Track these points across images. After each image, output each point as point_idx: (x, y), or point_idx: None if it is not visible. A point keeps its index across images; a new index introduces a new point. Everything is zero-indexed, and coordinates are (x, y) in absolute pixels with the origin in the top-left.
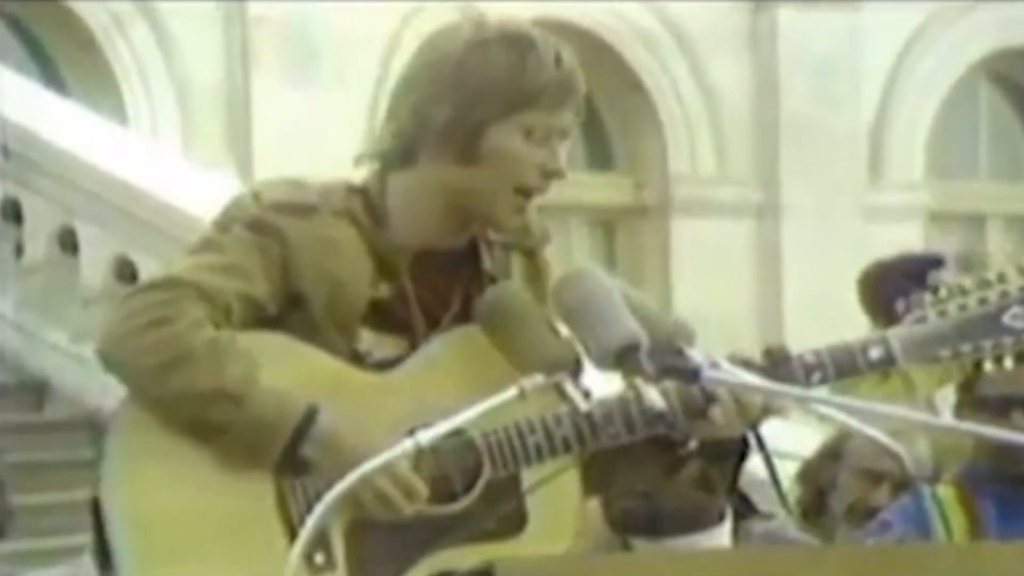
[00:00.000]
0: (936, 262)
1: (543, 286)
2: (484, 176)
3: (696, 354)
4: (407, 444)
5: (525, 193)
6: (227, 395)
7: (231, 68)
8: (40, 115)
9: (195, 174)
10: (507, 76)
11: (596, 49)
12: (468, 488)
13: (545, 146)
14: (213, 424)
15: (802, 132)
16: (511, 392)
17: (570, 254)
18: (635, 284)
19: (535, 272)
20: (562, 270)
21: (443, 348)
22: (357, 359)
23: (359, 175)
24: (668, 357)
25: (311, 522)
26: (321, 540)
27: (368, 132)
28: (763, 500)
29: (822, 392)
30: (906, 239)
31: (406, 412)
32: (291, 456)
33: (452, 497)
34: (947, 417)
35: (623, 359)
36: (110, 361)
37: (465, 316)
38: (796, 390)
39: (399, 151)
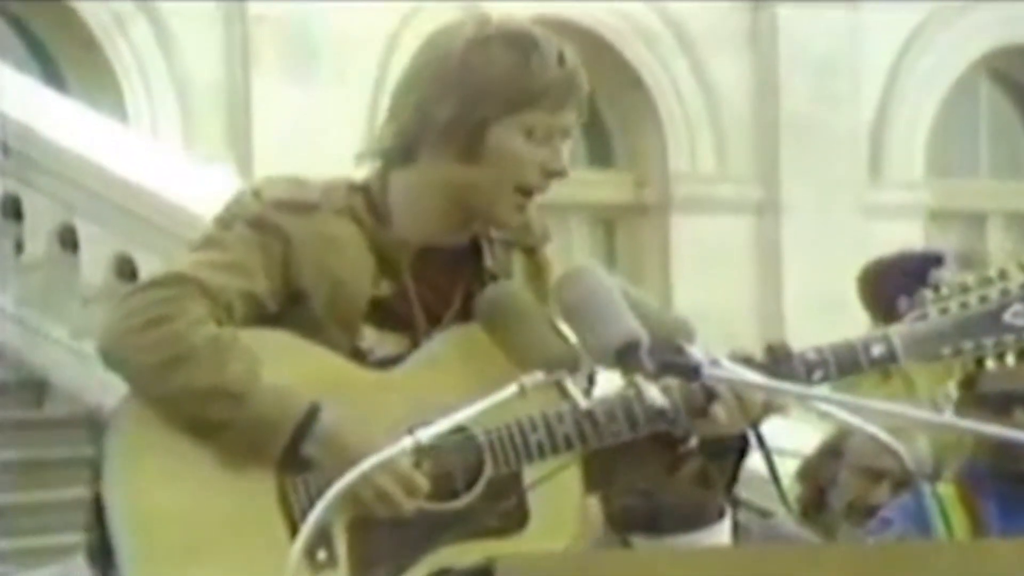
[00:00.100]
0: (936, 260)
1: (544, 284)
2: (485, 175)
3: (696, 352)
4: (406, 442)
5: (526, 192)
6: (228, 393)
7: (231, 67)
8: (40, 113)
9: (195, 172)
10: (509, 75)
11: (596, 47)
12: (470, 485)
13: (547, 145)
14: (214, 422)
15: (802, 130)
16: (511, 389)
17: (570, 252)
18: (635, 282)
19: (536, 270)
20: (562, 268)
21: (444, 346)
22: (359, 357)
23: (360, 173)
24: (668, 355)
25: (312, 519)
26: (323, 537)
27: (368, 130)
28: (763, 498)
29: (823, 390)
30: (906, 237)
31: (407, 410)
32: (293, 454)
33: (454, 494)
34: (948, 414)
35: (623, 357)
36: (111, 358)
37: (466, 314)
38: (797, 387)
39: (401, 149)
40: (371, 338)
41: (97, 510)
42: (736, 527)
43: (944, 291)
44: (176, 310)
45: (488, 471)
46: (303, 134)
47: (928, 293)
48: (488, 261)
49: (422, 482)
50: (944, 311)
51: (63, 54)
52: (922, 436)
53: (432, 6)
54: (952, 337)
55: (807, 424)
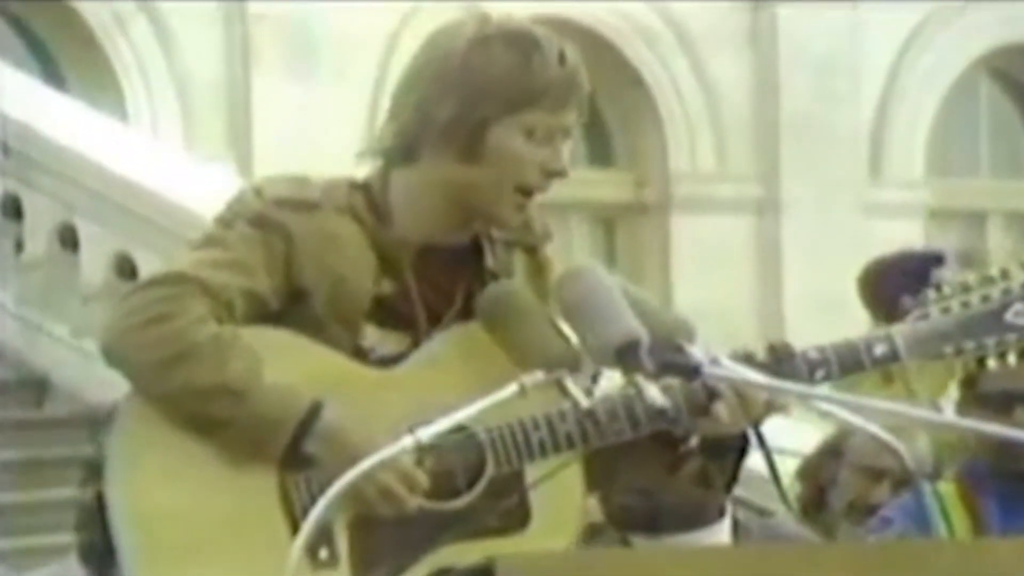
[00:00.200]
0: (937, 259)
1: (545, 283)
2: (486, 174)
3: (696, 351)
4: (407, 440)
5: (526, 192)
6: (230, 391)
7: (231, 66)
8: (41, 112)
9: (195, 171)
10: (510, 75)
11: (597, 46)
12: (472, 484)
13: (547, 145)
14: (216, 420)
15: (802, 129)
16: (511, 388)
17: (571, 251)
18: (635, 281)
19: (537, 269)
20: (563, 267)
21: (445, 345)
22: (361, 355)
23: (360, 172)
24: (668, 354)
25: (312, 517)
26: (324, 535)
27: (368, 130)
28: (763, 497)
29: (824, 389)
30: (906, 236)
31: (408, 408)
32: (294, 452)
33: (456, 493)
34: (949, 414)
35: (623, 356)
36: (113, 357)
37: (467, 313)
38: (797, 387)
39: (401, 148)
40: (372, 337)
41: (90, 509)
42: (736, 526)
43: (946, 290)
44: (177, 308)
45: (490, 470)
46: (303, 133)
47: (930, 293)
48: (489, 260)
49: (423, 479)
50: (946, 310)
51: (63, 53)
52: (922, 435)
53: (432, 5)
54: (954, 336)
55: (807, 423)
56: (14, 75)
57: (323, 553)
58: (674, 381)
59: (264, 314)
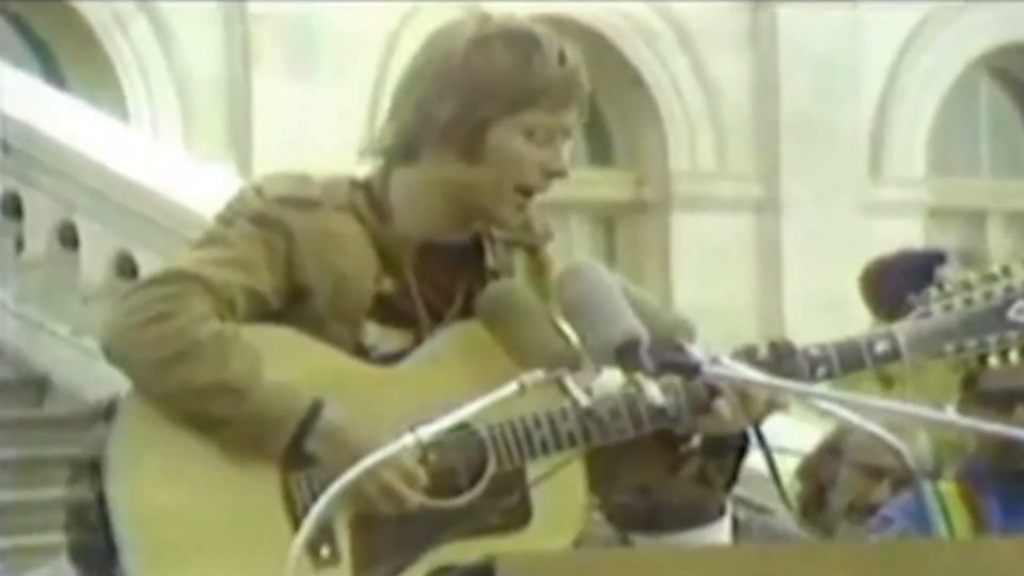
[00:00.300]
0: (939, 258)
1: (546, 283)
2: (486, 174)
3: (696, 350)
4: (407, 439)
5: (526, 192)
6: (231, 389)
7: (231, 65)
8: (41, 111)
9: (195, 170)
10: (510, 75)
11: (597, 45)
12: (473, 482)
13: (547, 145)
14: (217, 418)
15: (802, 128)
16: (511, 387)
17: (571, 250)
18: (635, 280)
19: (538, 269)
20: (562, 264)
21: (446, 343)
22: (362, 353)
23: (360, 170)
24: (668, 353)
25: (312, 515)
26: (326, 534)
27: (368, 128)
28: (764, 496)
29: (823, 387)
30: (906, 235)
31: (410, 406)
32: (295, 450)
33: (457, 491)
34: (950, 412)
35: (623, 355)
36: (114, 355)
37: (468, 312)
38: (797, 385)
39: (402, 147)
40: (374, 334)
41: (78, 508)
42: (736, 525)
43: (948, 288)
44: (179, 306)
45: (491, 468)
46: (303, 133)
47: (932, 291)
48: (490, 260)
49: (424, 477)
50: (948, 308)
51: (64, 53)
52: (922, 435)
53: (432, 5)
54: (956, 334)
55: (808, 422)
56: (14, 74)
57: (324, 551)
58: (675, 380)
59: (266, 312)
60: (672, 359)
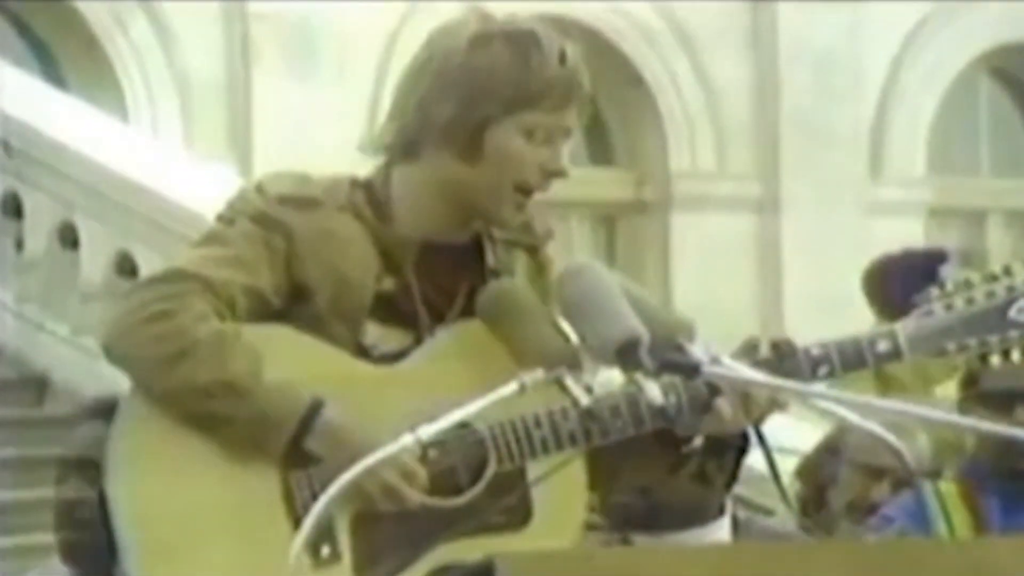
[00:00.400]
0: (941, 257)
1: (547, 283)
2: (485, 174)
3: (696, 350)
4: (407, 439)
5: (525, 191)
6: (231, 388)
7: (232, 65)
8: (41, 111)
9: (196, 169)
10: (509, 74)
11: (597, 45)
12: (474, 481)
13: (547, 146)
14: (217, 417)
15: (802, 128)
16: (511, 387)
17: (571, 249)
18: (636, 279)
19: (539, 269)
20: (562, 264)
21: (447, 341)
22: (363, 353)
23: (360, 169)
24: (668, 353)
25: (312, 514)
26: (326, 533)
27: (368, 129)
28: (763, 496)
29: (823, 386)
30: (906, 235)
31: (411, 405)
32: (295, 449)
33: (458, 490)
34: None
35: (623, 355)
36: (114, 354)
37: (469, 312)
38: (797, 385)
39: (403, 146)
40: (374, 334)
41: (67, 508)
42: (736, 524)
43: (949, 287)
44: (179, 305)
45: (492, 467)
46: (304, 131)
47: (933, 290)
48: (490, 260)
49: (424, 476)
50: (949, 307)
51: (64, 53)
52: (922, 434)
53: (432, 5)
54: (957, 333)
55: (807, 422)
56: (15, 74)
57: (325, 550)
58: (675, 380)
59: (267, 311)
60: (672, 359)
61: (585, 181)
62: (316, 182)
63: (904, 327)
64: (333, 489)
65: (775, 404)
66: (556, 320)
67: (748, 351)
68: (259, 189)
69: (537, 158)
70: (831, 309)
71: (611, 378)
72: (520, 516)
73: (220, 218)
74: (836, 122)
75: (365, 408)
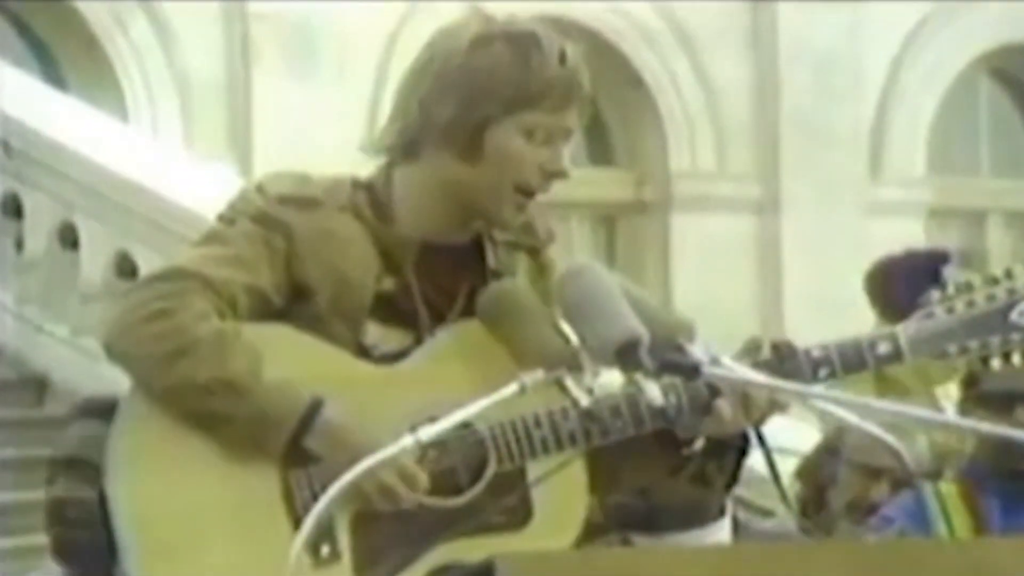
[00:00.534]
0: (943, 257)
1: (548, 285)
2: (485, 174)
3: (696, 350)
4: (407, 440)
5: (526, 192)
6: (231, 386)
7: (232, 65)
8: (41, 111)
9: (196, 170)
10: (509, 74)
11: (597, 46)
12: (474, 481)
13: (547, 146)
14: (217, 415)
15: (802, 128)
16: (511, 387)
17: (571, 250)
18: (635, 280)
19: (540, 271)
20: (562, 265)
21: (447, 341)
22: (363, 352)
23: (361, 169)
24: (668, 353)
25: (312, 515)
26: (326, 532)
27: (368, 129)
28: (763, 497)
29: (823, 388)
30: (906, 235)
31: (411, 405)
32: (295, 448)
33: (458, 490)
34: (950, 413)
35: (623, 355)
36: (115, 352)
37: (470, 313)
38: (797, 386)
39: (403, 146)
40: (375, 334)
41: (57, 507)
42: (736, 526)
43: (950, 291)
44: (179, 304)
45: (492, 467)
46: (303, 133)
47: (935, 292)
48: (491, 261)
49: (424, 478)
50: (950, 310)
51: (64, 53)
52: (922, 435)
53: (432, 5)
54: (958, 335)
55: (807, 422)
56: (14, 75)
57: (325, 550)
58: (675, 380)
59: (267, 311)
60: (672, 359)
61: (585, 181)
62: (317, 182)
63: (905, 329)
64: (333, 490)
65: (775, 405)
66: (556, 321)
67: (750, 352)
68: (259, 189)
69: (537, 158)
70: (831, 309)
71: (612, 380)
72: (520, 516)
73: (221, 218)
74: (836, 122)
75: (365, 408)
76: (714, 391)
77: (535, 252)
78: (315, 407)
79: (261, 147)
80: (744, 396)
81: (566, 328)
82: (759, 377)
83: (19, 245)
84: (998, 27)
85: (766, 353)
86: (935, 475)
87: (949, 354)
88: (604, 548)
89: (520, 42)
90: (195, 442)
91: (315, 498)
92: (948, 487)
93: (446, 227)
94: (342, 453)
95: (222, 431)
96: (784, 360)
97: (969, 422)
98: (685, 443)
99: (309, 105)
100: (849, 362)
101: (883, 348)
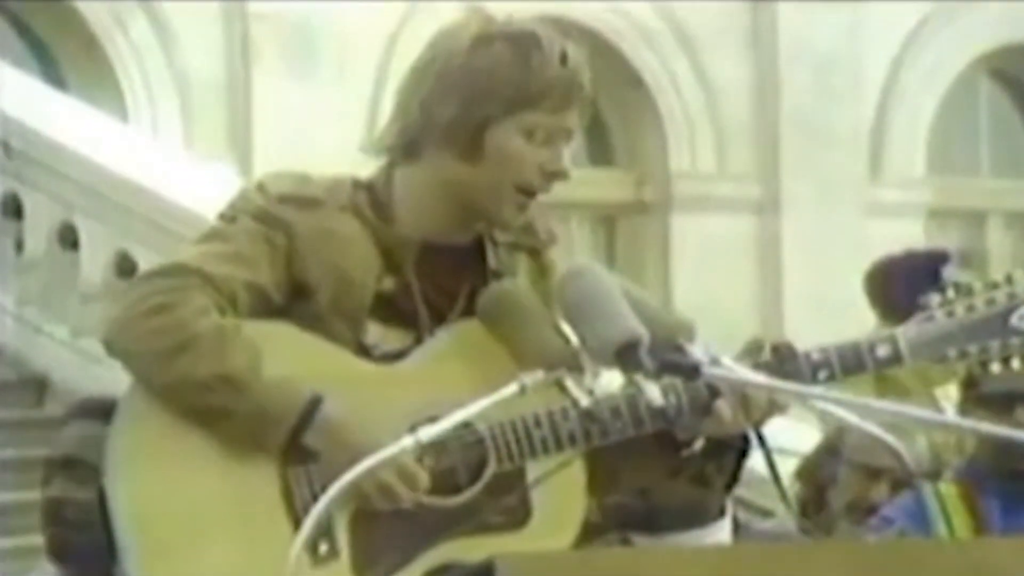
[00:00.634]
0: (942, 258)
1: (549, 286)
2: (486, 174)
3: (696, 350)
4: (407, 440)
5: (527, 192)
6: (230, 381)
7: (232, 65)
8: (41, 111)
9: (196, 170)
10: (509, 75)
11: (597, 46)
12: (473, 480)
13: (547, 146)
14: (216, 410)
15: (802, 128)
16: (512, 388)
17: (571, 250)
18: (636, 280)
19: (541, 272)
20: (563, 266)
21: (447, 342)
22: (364, 352)
23: (361, 169)
24: (668, 354)
25: (312, 516)
26: (325, 530)
27: (368, 129)
28: (763, 497)
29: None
30: (906, 236)
31: (411, 404)
32: (294, 444)
33: (457, 489)
34: (949, 413)
35: (623, 356)
36: (115, 347)
37: (471, 313)
38: (796, 386)
39: (404, 147)
40: (375, 333)
41: (52, 506)
42: (736, 526)
43: (950, 294)
44: (180, 299)
45: (491, 466)
46: (303, 133)
47: (935, 296)
48: (492, 262)
49: (424, 477)
50: (950, 314)
51: (64, 53)
52: (921, 435)
53: (432, 5)
54: (958, 339)
55: (807, 423)
56: (14, 75)
57: (323, 548)
58: (675, 381)
59: (268, 308)
60: (672, 360)
61: (585, 182)
62: (318, 182)
63: (905, 332)
64: (333, 490)
65: (775, 406)
66: (557, 322)
67: (752, 353)
68: (260, 188)
69: (537, 158)
70: (831, 309)
71: (612, 381)
72: (519, 516)
73: (222, 216)
74: (836, 122)
75: (365, 406)
76: (714, 393)
77: (536, 253)
78: (315, 403)
79: (261, 147)
80: (744, 397)
81: (566, 329)
82: (759, 377)
83: (19, 245)
84: (998, 27)
85: (766, 355)
86: (935, 475)
87: (948, 358)
88: (604, 548)
89: (521, 42)
90: (194, 440)
91: (314, 496)
92: (948, 487)
93: (447, 227)
94: (341, 450)
95: (221, 427)
96: (784, 362)
97: (969, 422)
98: (684, 444)
99: (309, 105)
100: (848, 365)
101: (882, 351)
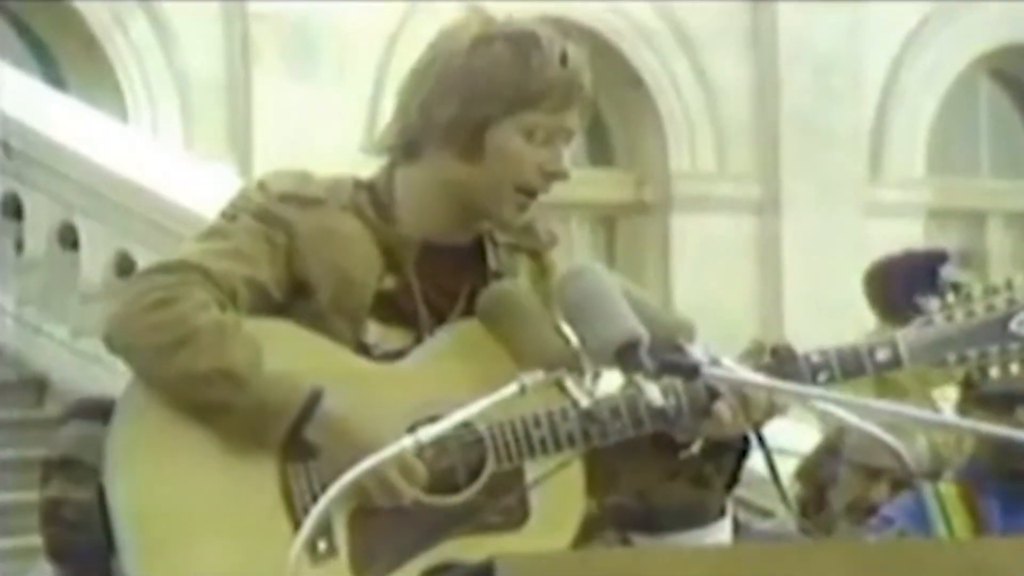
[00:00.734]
0: (941, 258)
1: (549, 287)
2: (486, 174)
3: (696, 351)
4: (407, 441)
5: (527, 192)
6: (230, 376)
7: (232, 65)
8: (41, 111)
9: (195, 170)
10: (509, 75)
11: (597, 46)
12: (472, 480)
13: (547, 146)
14: (216, 405)
15: (802, 128)
16: (511, 388)
17: (571, 250)
18: (636, 280)
19: (541, 273)
20: (563, 266)
21: (447, 341)
22: (364, 351)
23: (361, 168)
24: (668, 354)
25: (312, 516)
26: (324, 528)
27: (368, 129)
28: (763, 497)
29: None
30: (906, 236)
31: (410, 403)
32: (294, 439)
33: (455, 488)
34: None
35: (623, 356)
36: (115, 343)
37: (471, 313)
38: (796, 386)
39: (405, 147)
40: (375, 332)
41: (49, 506)
42: (736, 526)
43: (950, 299)
44: (180, 294)
45: (490, 466)
46: (303, 133)
47: (934, 301)
48: (492, 262)
49: (422, 470)
50: (950, 318)
51: (63, 53)
52: (921, 435)
53: (432, 5)
54: (957, 344)
55: (807, 423)
56: (14, 75)
57: (322, 545)
58: (675, 382)
59: (268, 305)
60: (672, 360)
61: (585, 182)
62: (319, 181)
63: (904, 336)
64: (333, 490)
65: (775, 408)
66: (557, 322)
67: (753, 354)
68: (261, 187)
69: (537, 159)
70: (831, 309)
71: (612, 381)
72: (517, 516)
73: (222, 214)
74: (836, 122)
75: (364, 404)
76: (713, 394)
77: (536, 255)
78: (315, 397)
79: (261, 147)
80: (744, 398)
81: (566, 329)
82: (758, 378)
83: (19, 245)
84: (998, 27)
85: (766, 358)
86: (935, 475)
87: (948, 362)
88: (603, 548)
89: (521, 42)
90: (194, 437)
91: (314, 492)
92: (948, 487)
93: (447, 227)
94: (342, 445)
95: (222, 422)
96: (784, 364)
97: (969, 422)
98: (683, 446)
99: (309, 105)
100: (848, 368)
101: (882, 355)
